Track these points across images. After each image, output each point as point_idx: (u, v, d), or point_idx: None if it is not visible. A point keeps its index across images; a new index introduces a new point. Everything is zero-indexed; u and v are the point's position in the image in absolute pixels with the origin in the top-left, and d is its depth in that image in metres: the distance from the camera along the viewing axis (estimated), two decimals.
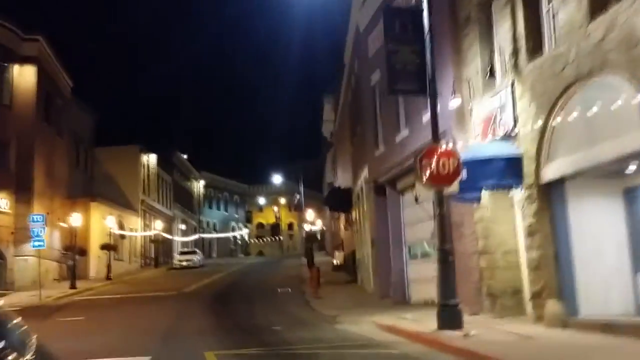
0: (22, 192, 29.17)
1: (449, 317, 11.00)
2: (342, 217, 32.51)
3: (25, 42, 29.81)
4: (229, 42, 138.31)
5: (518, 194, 12.18)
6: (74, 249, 30.93)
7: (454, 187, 11.11)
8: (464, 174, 11.19)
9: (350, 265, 30.57)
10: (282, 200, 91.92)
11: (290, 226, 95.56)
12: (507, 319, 12.11)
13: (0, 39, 28.31)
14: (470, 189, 11.99)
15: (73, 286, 29.43)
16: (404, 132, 16.99)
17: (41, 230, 25.66)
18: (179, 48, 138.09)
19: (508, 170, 11.44)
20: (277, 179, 67.49)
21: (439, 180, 11.06)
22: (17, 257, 28.67)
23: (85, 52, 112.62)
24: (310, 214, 38.73)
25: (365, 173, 21.88)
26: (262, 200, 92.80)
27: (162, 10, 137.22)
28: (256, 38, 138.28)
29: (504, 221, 12.76)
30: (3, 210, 27.99)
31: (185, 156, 65.92)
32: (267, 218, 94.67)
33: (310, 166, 68.06)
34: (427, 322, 11.96)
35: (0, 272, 27.97)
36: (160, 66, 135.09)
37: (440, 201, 11.27)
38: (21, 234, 27.38)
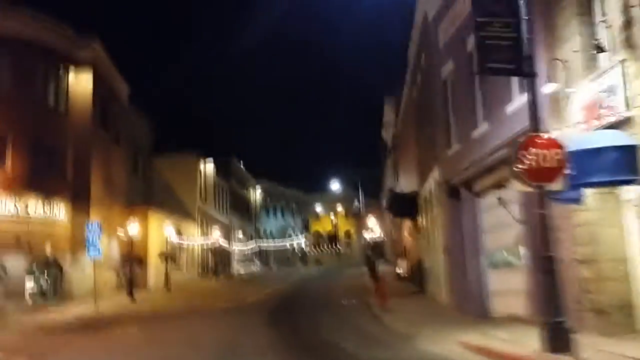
0: (79, 201, 28.69)
1: (555, 337, 9.27)
2: (406, 223, 30.78)
3: (80, 46, 29.43)
4: (287, 47, 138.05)
5: (630, 192, 10.33)
6: (132, 258, 30.30)
7: (558, 183, 9.37)
8: (569, 168, 9.45)
9: (415, 275, 28.82)
10: (340, 208, 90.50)
11: (347, 234, 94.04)
12: (615, 338, 10.26)
13: (54, 43, 27.92)
14: (574, 186, 10.19)
15: (130, 297, 28.74)
16: (483, 127, 15.25)
17: (97, 239, 25.01)
18: (236, 53, 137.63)
19: (621, 163, 9.58)
20: (335, 185, 66.15)
21: (540, 176, 9.36)
22: (75, 267, 28.16)
23: (140, 57, 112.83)
24: (372, 220, 37.09)
25: (435, 175, 20.20)
26: (319, 208, 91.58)
27: (219, 12, 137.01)
28: (316, 43, 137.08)
29: (612, 224, 10.90)
30: (59, 219, 27.50)
31: (242, 163, 65.43)
32: (324, 226, 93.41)
33: (368, 173, 66.44)
34: (523, 342, 10.24)
35: (58, 283, 27.48)
36: (217, 73, 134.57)
37: (541, 201, 9.54)
38: (78, 244, 26.80)
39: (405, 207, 26.89)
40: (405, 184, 31.70)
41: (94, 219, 28.37)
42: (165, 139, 48.13)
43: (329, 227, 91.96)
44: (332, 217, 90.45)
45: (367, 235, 48.91)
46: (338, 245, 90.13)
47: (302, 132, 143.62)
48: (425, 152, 22.77)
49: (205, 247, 50.35)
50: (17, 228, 25.30)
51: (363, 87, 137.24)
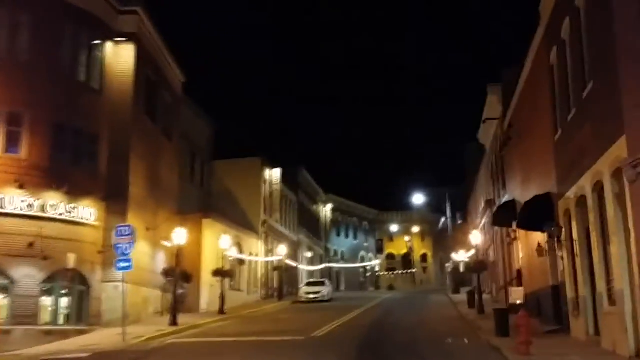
0: (115, 201, 23.09)
1: None
2: (528, 239, 23.56)
3: (121, 15, 24.14)
4: (359, 48, 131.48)
5: None
6: (176, 274, 24.44)
7: None
8: None
9: (534, 306, 21.73)
10: (415, 229, 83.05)
11: (423, 257, 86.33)
12: None
13: (88, 5, 22.62)
14: None
15: (173, 322, 22.80)
16: None
17: (128, 247, 19.23)
18: (305, 48, 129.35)
19: None
20: (417, 198, 58.91)
21: None
22: (106, 283, 22.48)
23: (199, 50, 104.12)
24: (475, 235, 29.86)
25: (600, 167, 13.37)
26: (393, 228, 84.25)
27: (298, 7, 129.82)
28: (390, 47, 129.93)
29: None
30: (87, 222, 21.85)
31: (310, 175, 59.32)
32: (398, 248, 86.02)
33: (449, 192, 58.93)
34: None
35: (83, 302, 21.82)
36: (284, 71, 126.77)
37: None
38: (112, 254, 20.96)
39: (532, 217, 19.81)
40: (523, 190, 24.61)
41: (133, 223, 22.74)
42: (225, 141, 42.72)
43: (403, 249, 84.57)
44: (407, 239, 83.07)
45: (462, 257, 41.62)
46: (413, 269, 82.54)
47: (377, 145, 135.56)
48: (575, 138, 15.80)
49: (269, 266, 44.24)
50: (30, 231, 19.83)
51: (445, 101, 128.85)
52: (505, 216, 27.18)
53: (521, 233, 25.39)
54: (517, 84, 24.85)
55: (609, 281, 14.16)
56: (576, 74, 16.03)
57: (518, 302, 24.09)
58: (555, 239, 18.56)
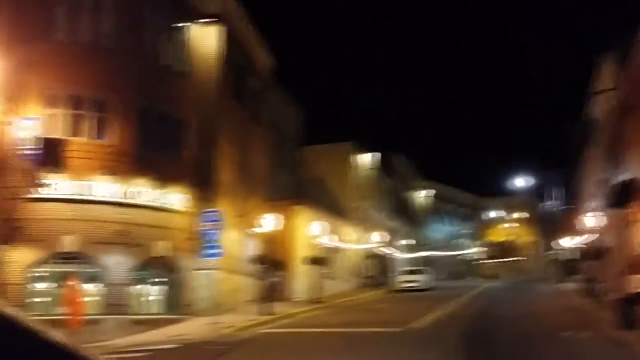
0: (203, 187, 22.47)
1: None
2: None
3: None
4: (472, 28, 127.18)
5: None
6: (268, 262, 23.65)
7: None
8: None
9: None
10: (517, 215, 79.25)
11: (525, 245, 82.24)
12: None
13: None
14: None
15: (265, 311, 22.00)
16: None
17: (216, 233, 18.52)
18: (402, 29, 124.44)
19: None
20: (519, 182, 55.54)
21: None
22: (197, 271, 21.95)
23: (287, 28, 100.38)
24: (588, 219, 27.19)
25: None
26: (493, 214, 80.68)
27: None
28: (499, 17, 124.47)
29: None
30: (176, 208, 21.35)
31: (405, 159, 57.35)
32: (498, 235, 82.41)
33: (551, 174, 55.16)
34: None
35: (174, 290, 21.40)
36: (376, 52, 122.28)
37: None
38: (203, 241, 20.33)
39: None
40: None
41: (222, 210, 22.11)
42: (315, 125, 41.68)
43: (504, 236, 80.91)
44: (508, 225, 79.37)
45: (568, 243, 38.59)
46: (517, 257, 78.81)
47: (475, 127, 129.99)
48: None
49: (363, 253, 42.99)
50: (120, 218, 19.54)
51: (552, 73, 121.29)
52: (624, 196, 24.44)
53: None
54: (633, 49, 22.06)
55: None
56: None
57: (637, 290, 21.46)
58: None
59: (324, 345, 15.23)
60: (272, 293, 23.93)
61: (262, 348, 15.45)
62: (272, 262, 24.71)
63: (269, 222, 24.03)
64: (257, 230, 25.54)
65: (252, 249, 26.66)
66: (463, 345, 14.49)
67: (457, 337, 15.83)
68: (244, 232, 25.94)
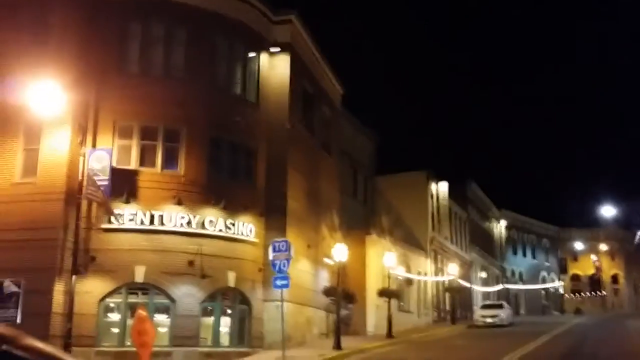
0: (273, 216, 22.07)
1: None
2: None
3: (275, 24, 23.38)
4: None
5: None
6: (339, 294, 22.84)
7: None
8: None
9: None
10: (603, 247, 74.91)
11: (614, 279, 77.57)
12: None
13: (242, 15, 22.09)
14: None
15: (337, 346, 21.14)
16: None
17: (285, 263, 17.96)
18: (477, 56, 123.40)
19: None
20: (606, 211, 52.35)
21: None
22: (268, 302, 21.45)
23: (358, 59, 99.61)
24: None
25: None
26: (578, 246, 76.64)
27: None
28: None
29: None
30: (246, 238, 20.97)
31: (481, 189, 55.48)
32: (584, 268, 78.12)
33: None
34: None
35: (244, 322, 20.92)
36: (450, 79, 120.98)
37: None
38: (271, 271, 19.86)
39: None
40: None
41: (293, 241, 21.59)
42: (388, 155, 40.91)
43: (590, 270, 76.60)
44: (594, 258, 75.10)
45: None
46: (603, 292, 74.35)
47: (555, 155, 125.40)
48: None
49: (440, 286, 41.39)
50: (190, 248, 19.34)
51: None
52: None
53: None
54: None
55: None
56: None
57: None
58: None
59: None
60: (344, 326, 23.09)
61: None
62: (343, 293, 23.88)
63: (340, 252, 23.26)
64: (328, 261, 24.84)
65: (324, 280, 25.96)
66: None
67: None
68: (316, 262, 25.32)
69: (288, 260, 17.96)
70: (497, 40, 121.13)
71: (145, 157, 19.46)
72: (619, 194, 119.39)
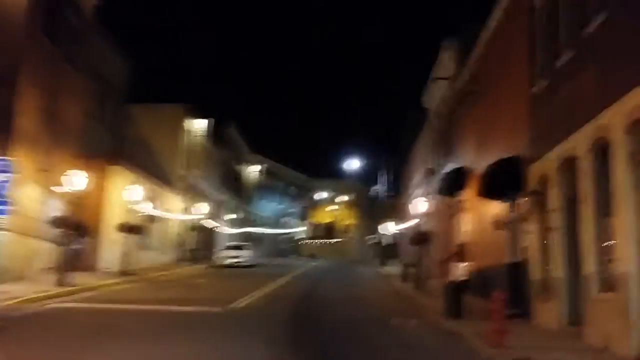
0: None
1: None
2: (488, 208, 20.94)
3: None
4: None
5: None
6: (71, 225, 20.39)
7: None
8: None
9: (479, 285, 19.38)
10: (344, 198, 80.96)
11: (348, 228, 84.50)
12: None
13: None
14: None
15: (63, 282, 18.89)
16: None
17: (6, 186, 15.18)
18: None
19: None
20: (350, 164, 55.86)
21: None
22: None
23: None
24: (416, 204, 27.24)
25: (606, 121, 10.65)
26: (321, 196, 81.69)
27: None
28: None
29: None
30: None
31: (238, 131, 55.27)
32: (323, 217, 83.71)
33: (382, 160, 56.61)
34: None
35: None
36: (218, 14, 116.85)
37: None
38: None
39: (495, 183, 17.16)
40: (479, 153, 22.02)
41: (22, 162, 18.61)
42: (145, 82, 38.10)
43: (328, 218, 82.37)
44: (334, 207, 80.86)
45: (392, 228, 39.27)
46: (336, 239, 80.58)
47: (312, 106, 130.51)
48: (571, 82, 13.01)
49: (186, 225, 40.36)
50: None
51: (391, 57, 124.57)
52: (453, 184, 24.66)
53: (471, 203, 22.88)
54: (478, 37, 22.07)
55: (603, 262, 11.57)
56: (575, 8, 13.20)
57: (462, 279, 21.70)
58: (521, 209, 16.01)
59: (125, 327, 12.81)
60: (74, 261, 20.79)
61: (46, 326, 12.64)
62: (77, 226, 21.43)
63: (77, 180, 20.65)
64: (62, 188, 21.99)
65: (57, 210, 23.05)
66: (288, 330, 12.95)
67: (281, 319, 14.31)
68: (47, 189, 22.29)
69: (9, 182, 15.20)
70: None
71: None
72: (367, 149, 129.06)
